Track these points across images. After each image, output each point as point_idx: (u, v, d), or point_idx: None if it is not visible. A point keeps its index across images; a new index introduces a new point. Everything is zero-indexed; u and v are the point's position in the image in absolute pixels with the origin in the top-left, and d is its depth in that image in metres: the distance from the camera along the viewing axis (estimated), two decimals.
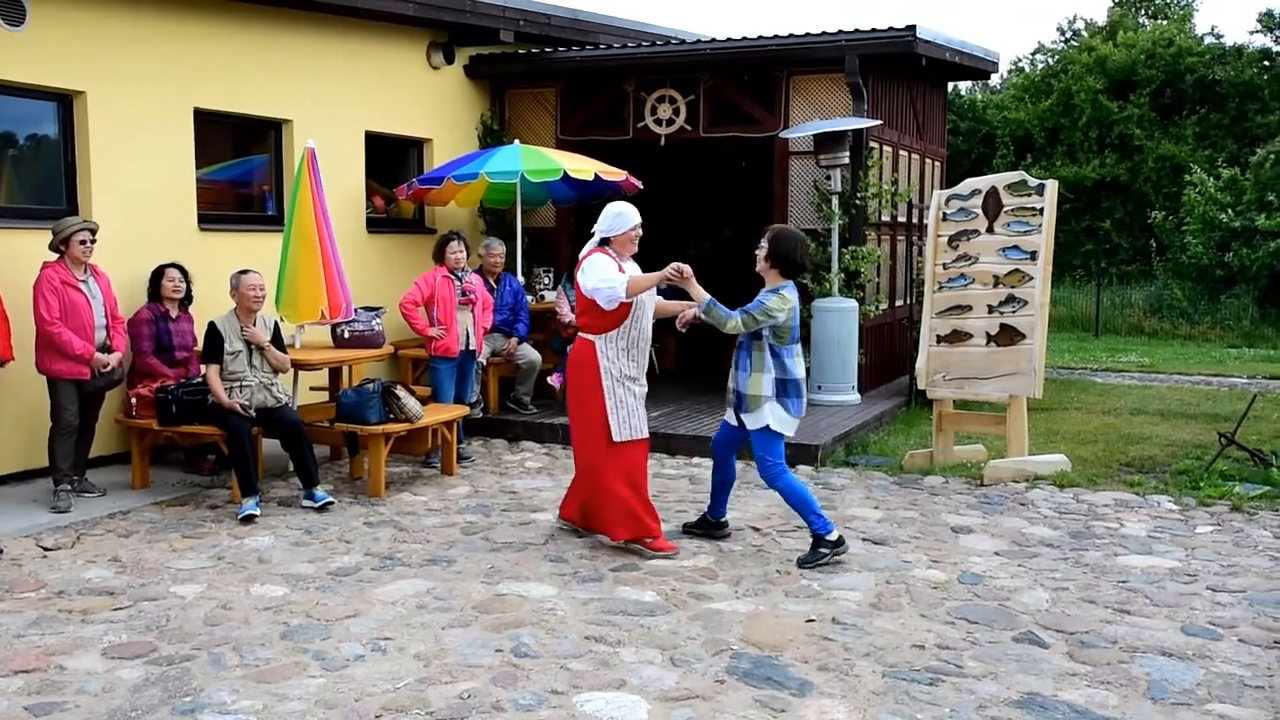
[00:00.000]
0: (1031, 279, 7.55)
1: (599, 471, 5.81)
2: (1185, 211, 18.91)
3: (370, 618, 4.80)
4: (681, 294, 5.78)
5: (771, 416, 5.59)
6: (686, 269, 5.54)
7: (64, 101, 7.38)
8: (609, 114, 10.85)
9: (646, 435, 5.90)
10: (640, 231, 5.87)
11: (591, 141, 10.72)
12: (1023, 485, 7.36)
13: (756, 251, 5.74)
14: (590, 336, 5.79)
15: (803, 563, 5.56)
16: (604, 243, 5.83)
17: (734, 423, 5.78)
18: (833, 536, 5.59)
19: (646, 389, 5.94)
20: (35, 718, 3.80)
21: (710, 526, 6.09)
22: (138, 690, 4.02)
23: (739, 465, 7.92)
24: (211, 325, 6.72)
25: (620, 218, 5.81)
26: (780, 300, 5.54)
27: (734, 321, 5.49)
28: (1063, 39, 28.95)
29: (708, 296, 5.58)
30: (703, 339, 8.26)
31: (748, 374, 5.61)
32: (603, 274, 5.64)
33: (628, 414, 5.77)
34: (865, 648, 4.49)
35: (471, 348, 8.06)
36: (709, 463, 5.86)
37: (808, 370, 9.72)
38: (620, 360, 5.77)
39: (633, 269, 5.83)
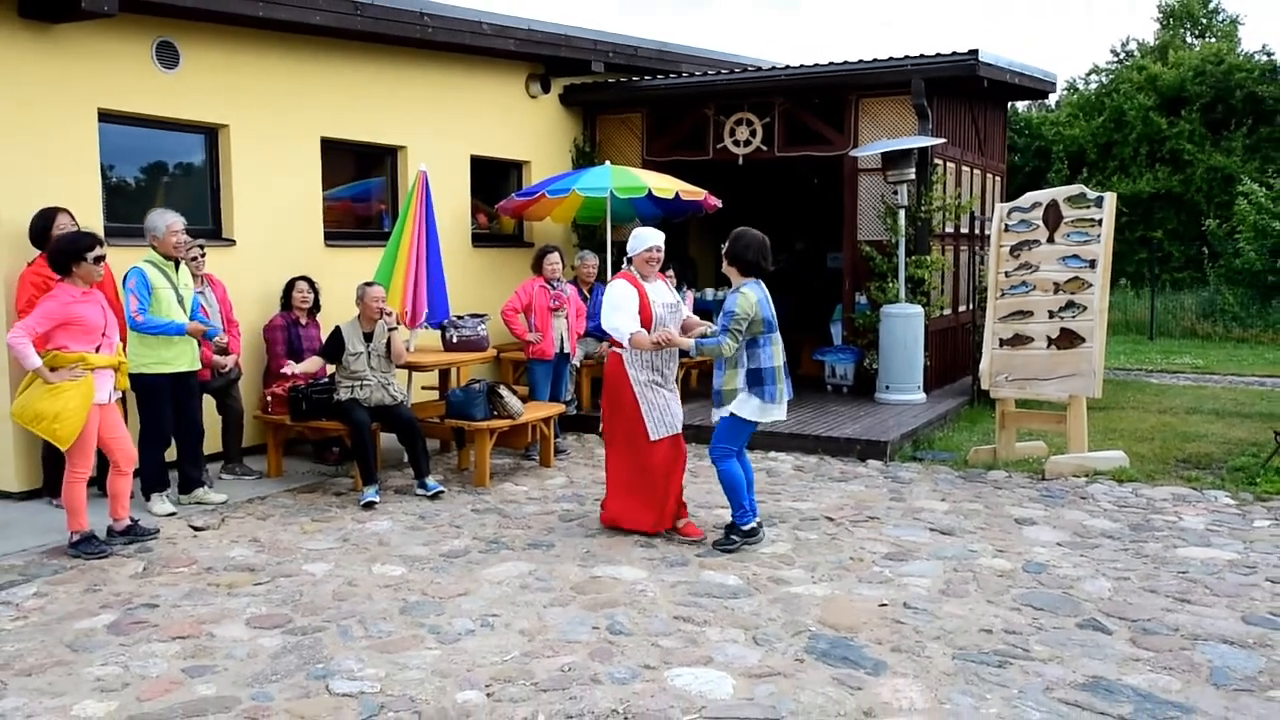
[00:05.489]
0: (1091, 285, 7.34)
1: (640, 467, 5.75)
2: (1238, 220, 18.18)
3: (479, 596, 4.85)
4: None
5: (741, 407, 5.44)
6: (664, 334, 5.53)
7: (210, 134, 7.64)
8: (691, 136, 10.83)
9: (679, 431, 5.80)
10: (657, 254, 5.77)
11: (675, 162, 10.71)
12: (1083, 480, 7.15)
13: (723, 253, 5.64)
14: (618, 350, 5.80)
15: (716, 544, 5.52)
16: (629, 262, 5.84)
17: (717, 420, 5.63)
18: (748, 527, 5.51)
19: (676, 391, 5.87)
20: (191, 679, 3.93)
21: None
22: (277, 657, 4.13)
23: (812, 459, 7.89)
24: (336, 329, 6.88)
25: (637, 239, 5.80)
26: (742, 300, 5.36)
27: (725, 344, 5.36)
28: (1116, 59, 28.05)
29: (692, 342, 5.53)
30: None
31: (723, 371, 5.48)
32: (612, 315, 5.66)
33: (660, 414, 5.73)
34: (936, 631, 4.40)
35: (565, 351, 8.12)
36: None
37: (875, 371, 9.71)
38: (645, 369, 5.75)
39: (657, 289, 5.80)
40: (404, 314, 7.68)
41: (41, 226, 6.13)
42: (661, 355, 5.78)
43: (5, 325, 6.19)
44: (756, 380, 5.43)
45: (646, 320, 5.66)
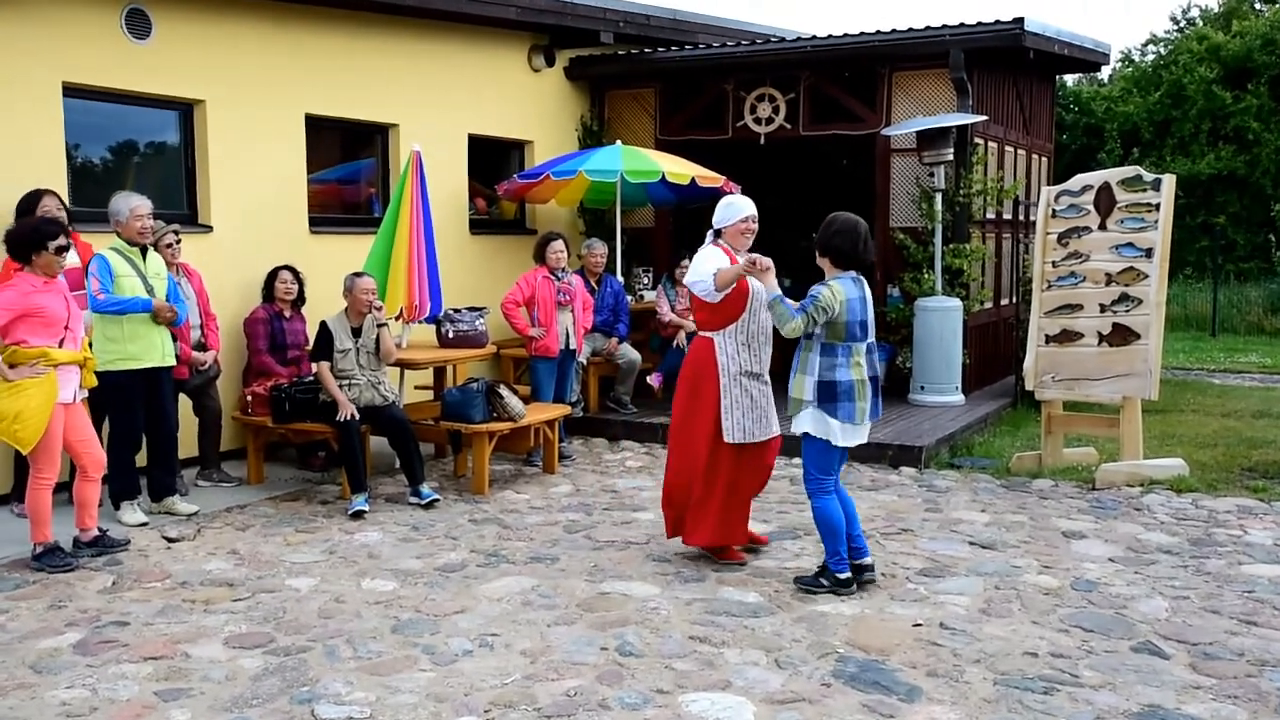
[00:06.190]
0: (1147, 277, 7.31)
1: (699, 471, 5.53)
2: None
3: (477, 614, 4.87)
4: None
5: (810, 423, 5.13)
6: (763, 260, 5.22)
7: (185, 110, 7.67)
8: (708, 113, 10.84)
9: (763, 439, 5.56)
10: (753, 224, 5.61)
11: (691, 141, 10.72)
12: (1137, 490, 7.12)
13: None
14: (708, 334, 5.58)
15: (798, 580, 5.24)
16: (718, 235, 5.65)
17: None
18: (843, 577, 5.14)
19: (770, 387, 5.62)
20: (165, 702, 3.96)
21: (855, 569, 5.28)
22: (258, 679, 4.15)
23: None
24: (323, 324, 6.91)
25: (730, 208, 5.63)
26: (830, 293, 5.04)
27: (795, 322, 5.03)
28: (1175, 28, 27.90)
29: (778, 291, 5.19)
30: None
31: (794, 374, 5.19)
32: (696, 270, 5.51)
33: (742, 414, 5.49)
34: (975, 654, 4.40)
35: (571, 347, 8.13)
36: (799, 459, 5.55)
37: (908, 370, 9.70)
38: (740, 356, 5.51)
39: None
40: (411, 308, 7.69)
41: (24, 210, 6.17)
42: (757, 339, 5.54)
43: None
44: (829, 395, 5.06)
45: (743, 293, 5.46)
